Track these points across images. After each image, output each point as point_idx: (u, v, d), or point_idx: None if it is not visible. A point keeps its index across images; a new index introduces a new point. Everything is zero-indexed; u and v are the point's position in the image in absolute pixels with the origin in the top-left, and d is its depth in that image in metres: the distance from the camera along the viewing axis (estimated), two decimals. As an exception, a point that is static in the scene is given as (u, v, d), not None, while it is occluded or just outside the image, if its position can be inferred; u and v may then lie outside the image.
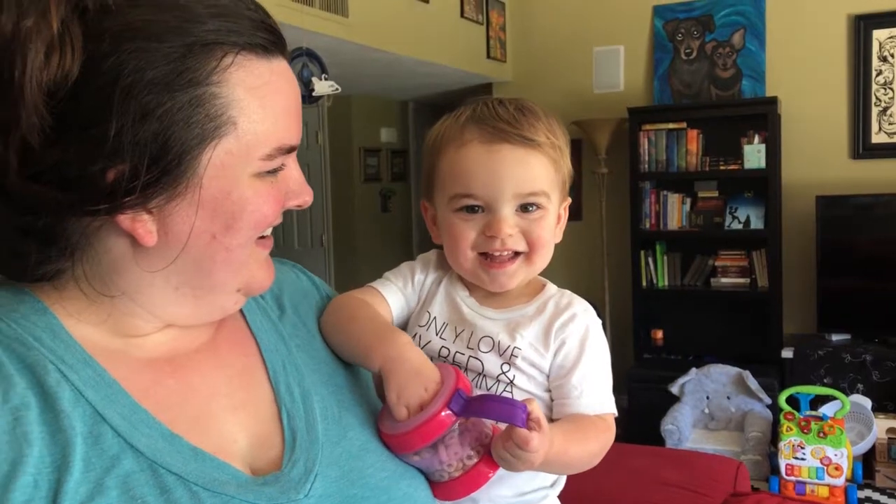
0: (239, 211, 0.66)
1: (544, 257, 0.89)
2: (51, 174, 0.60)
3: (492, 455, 0.77)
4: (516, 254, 0.87)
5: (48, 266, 0.65)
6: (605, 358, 0.89)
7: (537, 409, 0.73)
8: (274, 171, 0.69)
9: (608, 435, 0.86)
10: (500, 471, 0.78)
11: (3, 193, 0.60)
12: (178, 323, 0.71)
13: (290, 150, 0.69)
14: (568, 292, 0.92)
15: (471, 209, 0.86)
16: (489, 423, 0.79)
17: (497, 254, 0.86)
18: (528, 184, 0.85)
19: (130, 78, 0.59)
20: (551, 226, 0.89)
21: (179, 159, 0.62)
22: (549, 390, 0.87)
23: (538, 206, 0.86)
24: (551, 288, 0.92)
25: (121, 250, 0.65)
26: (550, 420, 0.83)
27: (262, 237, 0.72)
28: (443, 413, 0.73)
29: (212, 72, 0.62)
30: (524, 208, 0.86)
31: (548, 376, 0.87)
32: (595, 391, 0.86)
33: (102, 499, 0.58)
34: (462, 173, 0.86)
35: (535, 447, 0.72)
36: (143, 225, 0.63)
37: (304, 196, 0.73)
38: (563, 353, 0.86)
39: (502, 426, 0.76)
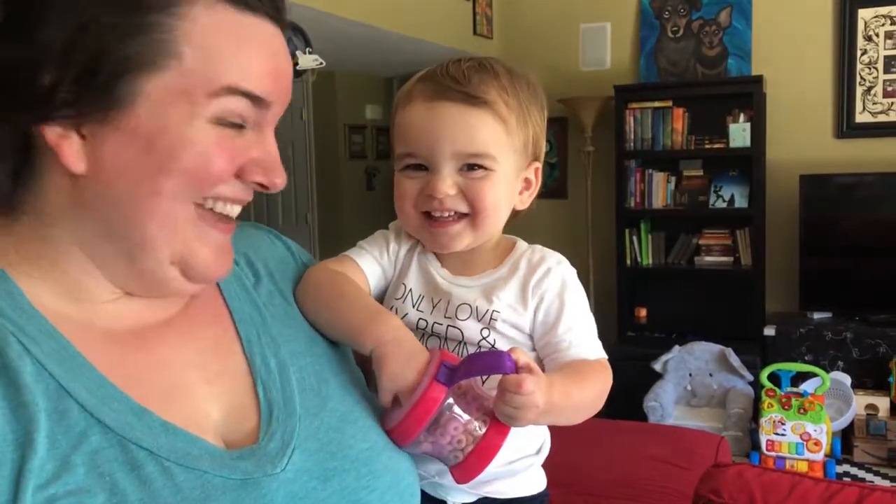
0: (176, 150, 0.62)
1: (492, 221, 0.86)
2: None
3: (497, 419, 0.74)
4: (462, 216, 0.85)
5: None
6: (586, 306, 0.88)
7: (523, 355, 0.72)
8: (237, 126, 0.65)
9: (606, 375, 0.84)
10: (511, 434, 0.76)
11: None
12: (127, 290, 0.68)
13: (249, 97, 0.65)
14: (539, 247, 0.90)
15: (415, 168, 0.84)
16: (486, 390, 0.77)
17: (438, 214, 0.84)
18: (469, 143, 0.82)
19: None
20: (501, 188, 0.85)
21: (115, 78, 0.59)
22: (533, 349, 0.87)
23: (482, 167, 0.83)
24: (521, 245, 0.91)
25: (62, 184, 0.63)
26: None
27: (221, 219, 0.68)
28: (431, 387, 0.72)
29: (173, 3, 0.61)
30: (468, 168, 0.83)
31: (530, 336, 0.86)
32: (583, 340, 0.85)
33: (69, 476, 0.55)
34: (404, 132, 0.85)
35: (530, 388, 0.70)
36: (71, 145, 0.61)
37: (272, 176, 0.68)
38: (544, 309, 0.85)
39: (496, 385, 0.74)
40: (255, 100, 0.65)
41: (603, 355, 0.86)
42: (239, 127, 0.66)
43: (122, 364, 0.64)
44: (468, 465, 0.75)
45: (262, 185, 0.69)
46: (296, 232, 5.40)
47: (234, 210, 0.69)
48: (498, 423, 0.74)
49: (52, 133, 0.60)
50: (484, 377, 0.79)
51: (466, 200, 0.84)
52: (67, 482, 0.55)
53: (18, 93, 0.59)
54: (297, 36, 2.91)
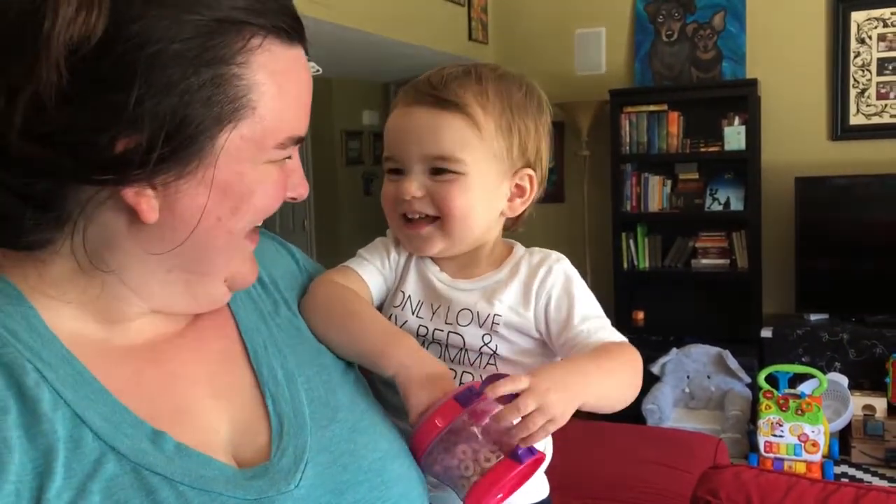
0: (248, 194, 0.65)
1: (463, 226, 0.85)
2: (59, 137, 0.57)
3: (509, 457, 0.71)
4: (433, 219, 0.85)
5: (41, 234, 0.61)
6: (592, 296, 0.88)
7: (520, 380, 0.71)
8: (283, 160, 0.68)
9: (634, 355, 0.82)
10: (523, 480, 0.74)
11: (3, 153, 0.57)
12: (165, 310, 0.69)
13: (299, 141, 0.68)
14: (536, 249, 0.91)
15: (395, 171, 0.87)
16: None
17: (410, 216, 0.86)
18: (435, 146, 0.83)
19: (157, 46, 0.56)
20: (473, 193, 0.84)
21: (195, 138, 0.60)
22: (539, 354, 0.86)
23: (449, 171, 0.83)
24: (519, 249, 0.91)
25: (118, 226, 0.63)
26: None
27: (253, 231, 0.71)
28: (448, 403, 0.72)
29: (238, 51, 0.61)
30: (436, 172, 0.84)
31: (534, 339, 0.86)
32: (601, 327, 0.84)
33: None
34: (386, 136, 0.88)
35: (529, 405, 0.69)
36: (147, 200, 0.61)
37: (300, 189, 0.72)
38: (555, 307, 0.85)
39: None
40: (300, 139, 0.69)
41: (623, 338, 0.84)
42: (285, 160, 0.69)
43: (136, 383, 0.65)
44: (472, 496, 0.72)
45: (291, 198, 0.72)
46: (293, 238, 5.40)
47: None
48: (509, 459, 0.71)
49: (129, 194, 0.60)
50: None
51: (434, 204, 0.84)
52: None
53: (97, 156, 0.58)
54: (293, 43, 2.92)
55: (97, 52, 0.56)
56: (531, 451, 0.72)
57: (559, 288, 0.86)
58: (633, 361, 0.82)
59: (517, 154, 0.87)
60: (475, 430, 0.73)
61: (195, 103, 0.59)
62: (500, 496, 0.74)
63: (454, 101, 0.83)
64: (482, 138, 0.84)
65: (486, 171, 0.85)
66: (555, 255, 0.90)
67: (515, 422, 0.70)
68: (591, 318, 0.84)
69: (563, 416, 0.71)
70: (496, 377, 0.72)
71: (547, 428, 0.70)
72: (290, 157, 0.69)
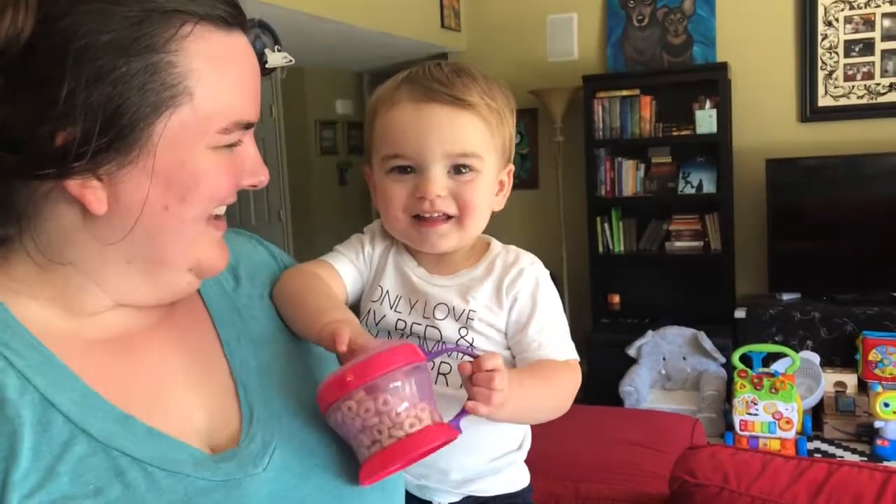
0: (193, 182, 0.65)
1: (477, 222, 0.88)
2: None
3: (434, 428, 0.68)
4: (448, 217, 0.86)
5: None
6: (558, 307, 0.90)
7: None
8: (230, 146, 0.67)
9: (573, 376, 0.85)
10: (459, 440, 0.72)
11: None
12: (130, 302, 0.69)
13: (247, 126, 0.68)
14: (513, 248, 0.92)
15: (402, 170, 0.85)
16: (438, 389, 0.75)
17: (427, 215, 0.85)
18: (458, 144, 0.84)
19: (85, 40, 0.57)
20: (485, 190, 0.87)
21: (132, 126, 0.60)
22: (508, 348, 0.88)
23: (470, 168, 0.85)
24: (496, 246, 0.93)
25: (70, 219, 0.63)
26: None
27: (217, 218, 0.71)
28: (407, 345, 0.68)
29: (170, 39, 0.61)
30: (456, 170, 0.85)
31: (505, 334, 0.88)
32: (553, 340, 0.86)
33: (53, 485, 0.57)
34: (392, 133, 0.85)
35: (498, 363, 0.70)
36: (93, 192, 0.62)
37: (259, 175, 0.72)
38: (517, 310, 0.87)
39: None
40: (248, 124, 0.68)
41: (573, 357, 0.87)
42: (234, 146, 0.68)
43: (107, 373, 0.65)
44: (377, 459, 0.67)
45: (251, 185, 0.72)
46: (269, 229, 5.38)
47: (224, 209, 0.72)
48: (445, 424, 0.70)
49: (74, 185, 0.61)
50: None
51: (455, 202, 0.85)
52: (52, 491, 0.57)
53: (37, 152, 0.58)
54: (265, 34, 2.89)
55: (27, 51, 0.57)
56: (459, 426, 0.71)
57: (526, 292, 0.88)
58: (566, 387, 0.84)
59: (508, 150, 0.90)
60: (410, 386, 0.68)
61: (129, 92, 0.59)
62: (397, 465, 0.69)
63: (469, 100, 0.84)
64: (491, 135, 0.86)
65: (492, 167, 0.88)
66: (530, 257, 0.91)
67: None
68: (546, 329, 0.86)
69: (501, 406, 0.71)
70: (457, 348, 0.75)
71: (495, 401, 0.70)
72: (238, 143, 0.68)
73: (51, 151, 0.59)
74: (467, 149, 0.84)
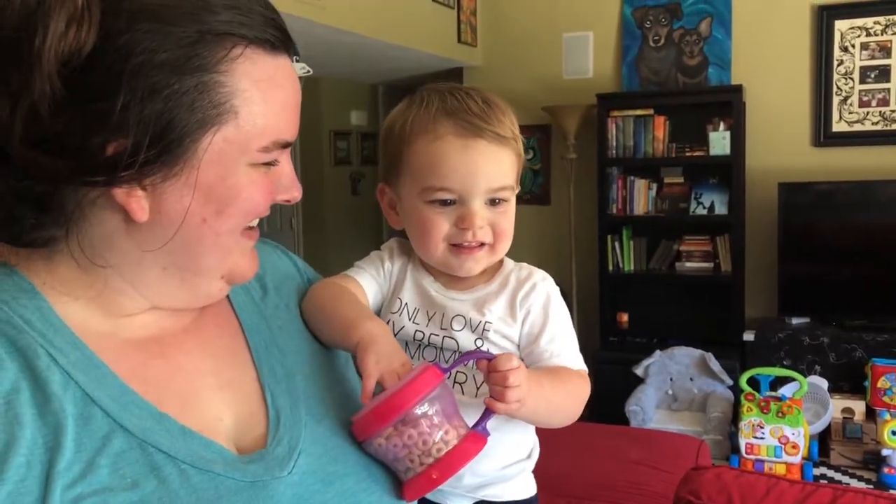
0: (232, 197, 0.68)
1: (506, 246, 0.93)
2: (53, 143, 0.61)
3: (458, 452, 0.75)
4: (482, 244, 0.90)
5: (42, 232, 0.66)
6: (568, 321, 0.94)
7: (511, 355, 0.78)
8: (268, 164, 0.71)
9: (584, 384, 0.90)
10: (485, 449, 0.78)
11: (4, 158, 0.61)
12: (163, 305, 0.73)
13: (285, 146, 0.71)
14: (525, 265, 0.96)
15: (443, 202, 0.89)
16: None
17: (467, 244, 0.89)
18: (499, 179, 0.89)
19: (142, 57, 0.61)
20: (513, 216, 0.92)
21: (180, 141, 0.64)
22: (521, 359, 0.91)
23: (504, 200, 0.90)
24: (509, 263, 0.96)
25: (114, 224, 0.67)
26: None
27: (249, 228, 0.74)
28: (429, 368, 0.73)
29: (220, 60, 0.64)
30: (492, 202, 0.89)
31: (518, 346, 0.91)
32: (564, 350, 0.90)
33: (94, 477, 0.60)
34: (437, 167, 0.88)
35: (515, 363, 0.76)
36: (137, 200, 0.65)
37: (293, 192, 0.75)
38: (530, 322, 0.91)
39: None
40: (287, 144, 0.72)
41: (583, 367, 0.91)
42: (272, 164, 0.72)
43: (143, 371, 0.68)
44: (414, 484, 0.75)
45: (285, 201, 0.75)
46: (281, 237, 5.40)
47: (257, 221, 0.76)
48: (475, 433, 0.76)
49: (120, 193, 0.64)
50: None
51: (491, 231, 0.90)
52: (92, 482, 0.60)
53: (89, 160, 0.62)
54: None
55: (87, 64, 0.60)
56: (486, 429, 0.78)
57: (538, 305, 0.92)
58: (580, 391, 0.89)
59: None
60: (434, 410, 0.74)
61: (179, 108, 0.63)
62: (435, 477, 0.75)
63: (506, 135, 0.89)
64: (519, 166, 0.93)
65: (515, 194, 0.94)
66: (542, 273, 0.95)
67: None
68: (557, 339, 0.90)
69: (519, 403, 0.76)
70: (473, 354, 0.79)
71: (511, 397, 0.75)
72: (276, 162, 0.71)
73: (102, 160, 0.62)
74: (504, 182, 0.89)
